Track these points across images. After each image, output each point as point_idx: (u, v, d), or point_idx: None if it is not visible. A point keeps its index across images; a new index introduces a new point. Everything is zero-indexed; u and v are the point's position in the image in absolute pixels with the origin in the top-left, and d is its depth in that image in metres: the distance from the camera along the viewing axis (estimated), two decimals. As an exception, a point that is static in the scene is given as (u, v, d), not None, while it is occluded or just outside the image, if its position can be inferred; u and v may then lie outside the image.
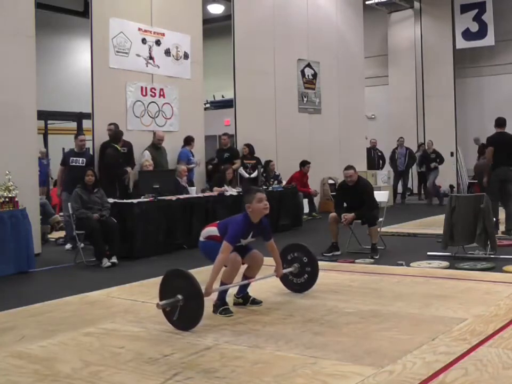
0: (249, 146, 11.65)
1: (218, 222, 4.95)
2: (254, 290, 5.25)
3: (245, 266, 4.98)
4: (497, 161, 8.80)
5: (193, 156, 10.44)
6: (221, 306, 4.72)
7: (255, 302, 5.02)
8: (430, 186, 15.21)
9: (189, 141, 10.35)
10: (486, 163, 9.26)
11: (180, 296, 4.27)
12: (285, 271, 5.27)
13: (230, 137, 11.62)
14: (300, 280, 5.38)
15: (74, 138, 9.45)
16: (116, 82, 9.64)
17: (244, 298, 5.01)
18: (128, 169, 9.19)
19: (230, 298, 4.99)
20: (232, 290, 5.04)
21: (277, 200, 10.61)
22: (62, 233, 9.77)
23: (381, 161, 16.27)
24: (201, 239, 4.92)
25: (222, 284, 4.74)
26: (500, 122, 9.11)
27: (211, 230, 4.87)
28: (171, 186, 9.15)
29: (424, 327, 4.19)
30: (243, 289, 5.02)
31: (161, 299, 4.40)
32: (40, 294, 5.85)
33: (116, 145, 9.03)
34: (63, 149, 12.62)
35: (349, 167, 7.83)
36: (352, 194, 7.77)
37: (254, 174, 11.44)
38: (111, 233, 7.62)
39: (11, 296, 6.05)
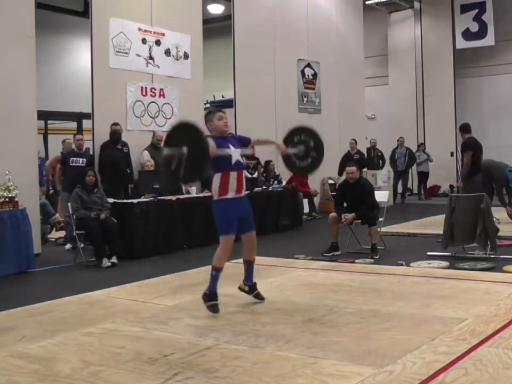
0: None
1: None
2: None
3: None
4: (476, 167, 8.68)
5: None
6: (209, 300, 4.70)
7: (259, 297, 5.02)
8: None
9: None
10: (465, 168, 8.95)
11: (184, 149, 4.27)
12: (289, 151, 5.22)
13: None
14: (302, 163, 5.32)
15: (73, 138, 9.50)
16: (116, 82, 9.64)
17: (250, 287, 5.02)
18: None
19: (230, 298, 4.99)
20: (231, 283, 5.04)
21: (277, 200, 10.62)
22: (62, 233, 9.77)
23: (380, 161, 16.26)
24: (214, 197, 4.84)
25: (213, 268, 4.73)
26: (468, 129, 9.09)
27: (215, 180, 4.77)
28: (171, 186, 9.15)
29: (424, 327, 4.19)
30: (250, 276, 5.03)
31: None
32: (40, 294, 5.86)
33: (116, 146, 9.03)
34: (63, 148, 12.61)
35: (351, 164, 7.98)
36: (353, 194, 7.79)
37: (256, 174, 11.45)
38: (111, 233, 7.62)
39: (11, 296, 6.05)
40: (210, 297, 4.72)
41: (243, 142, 4.96)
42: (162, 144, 4.65)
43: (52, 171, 10.35)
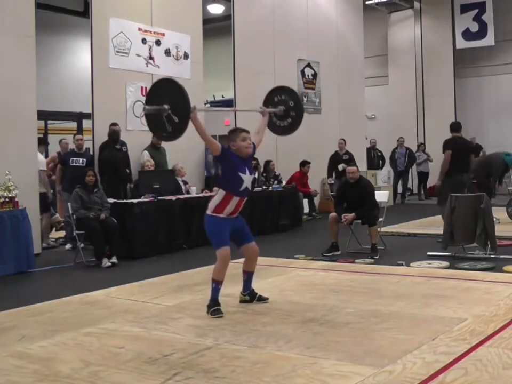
0: None
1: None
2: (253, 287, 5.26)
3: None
4: (454, 167, 8.47)
5: None
6: (212, 306, 4.70)
7: (262, 298, 5.03)
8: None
9: None
10: (442, 166, 8.75)
11: (166, 106, 4.28)
12: (268, 110, 5.28)
13: None
14: (282, 123, 5.35)
15: (73, 138, 9.51)
16: (116, 82, 9.64)
17: (250, 295, 5.02)
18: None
19: (230, 298, 4.99)
20: (231, 291, 5.04)
21: (277, 200, 10.62)
22: (62, 233, 9.77)
23: (380, 161, 16.26)
24: (208, 212, 4.80)
25: (213, 281, 4.72)
26: (455, 128, 8.87)
27: (217, 197, 4.76)
28: (171, 186, 9.15)
29: (424, 327, 4.19)
30: (248, 286, 5.02)
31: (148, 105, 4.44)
32: (40, 294, 5.86)
33: (115, 146, 9.03)
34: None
35: (352, 164, 7.95)
36: (353, 194, 7.79)
37: (256, 174, 11.46)
38: (111, 233, 7.62)
39: (11, 296, 6.05)
40: (213, 304, 4.72)
41: (253, 154, 4.93)
42: (144, 102, 4.66)
43: (48, 171, 10.37)
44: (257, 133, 5.14)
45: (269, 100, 5.39)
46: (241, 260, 5.12)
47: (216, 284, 4.72)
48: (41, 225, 8.96)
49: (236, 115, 11.85)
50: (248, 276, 5.01)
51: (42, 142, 10.17)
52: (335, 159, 13.01)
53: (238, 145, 4.74)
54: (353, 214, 7.61)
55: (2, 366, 3.68)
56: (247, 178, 4.75)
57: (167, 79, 4.77)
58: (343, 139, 13.13)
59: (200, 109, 4.66)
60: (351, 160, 11.54)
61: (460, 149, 8.63)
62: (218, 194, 4.77)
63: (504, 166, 9.59)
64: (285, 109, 5.32)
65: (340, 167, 11.77)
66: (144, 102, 9.78)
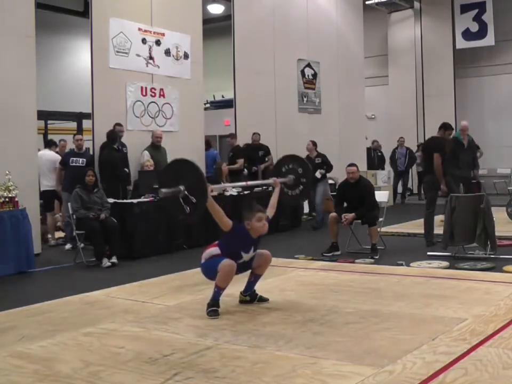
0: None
1: (217, 242, 4.88)
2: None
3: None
4: (431, 168, 8.22)
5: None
6: (211, 306, 4.69)
7: (262, 299, 5.03)
8: (318, 204, 11.08)
9: (210, 142, 10.72)
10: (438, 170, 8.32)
11: (181, 187, 4.24)
12: (280, 180, 5.31)
13: (234, 137, 11.65)
14: (294, 192, 5.34)
15: (73, 138, 9.52)
16: (116, 82, 9.64)
17: (250, 296, 5.02)
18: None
19: (230, 298, 4.99)
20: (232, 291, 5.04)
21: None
22: (62, 233, 9.76)
23: (380, 162, 16.25)
24: (202, 261, 4.85)
25: (216, 286, 4.71)
26: (441, 127, 8.72)
27: (212, 250, 4.80)
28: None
29: (424, 327, 4.19)
30: (251, 287, 5.02)
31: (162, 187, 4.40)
32: (40, 294, 5.86)
33: (113, 146, 9.02)
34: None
35: (352, 164, 7.99)
36: (353, 194, 7.79)
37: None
38: (111, 233, 7.62)
39: (11, 296, 6.05)
40: (212, 304, 4.71)
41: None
42: (158, 185, 4.59)
43: None
44: (271, 207, 5.17)
45: (277, 171, 5.35)
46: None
47: (218, 289, 4.72)
48: (46, 223, 9.06)
49: (236, 115, 11.87)
50: (255, 277, 5.01)
51: (53, 143, 10.29)
52: None
53: (253, 225, 4.76)
54: (353, 214, 7.61)
55: (2, 366, 3.68)
56: (247, 256, 4.80)
57: (178, 159, 4.64)
58: (312, 141, 11.37)
59: (216, 187, 4.61)
60: (324, 164, 10.93)
61: (432, 149, 8.40)
62: (213, 249, 4.79)
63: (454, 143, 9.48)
64: (295, 177, 5.30)
65: (318, 174, 10.77)
66: (143, 101, 9.95)
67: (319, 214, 10.97)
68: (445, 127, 8.71)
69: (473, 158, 10.37)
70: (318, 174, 10.74)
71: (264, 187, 10.74)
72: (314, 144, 11.23)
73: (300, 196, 5.42)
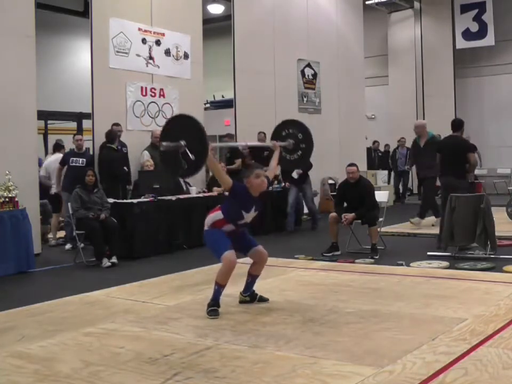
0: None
1: (220, 205, 4.92)
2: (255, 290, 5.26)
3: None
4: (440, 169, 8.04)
5: None
6: (211, 306, 4.70)
7: (262, 299, 5.03)
8: (310, 206, 10.78)
9: None
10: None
11: (182, 142, 4.26)
12: (279, 144, 5.29)
13: (231, 137, 11.64)
14: (293, 156, 5.34)
15: (73, 138, 9.53)
16: (116, 82, 9.64)
17: (250, 296, 5.02)
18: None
19: (230, 298, 4.99)
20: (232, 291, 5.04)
21: (277, 200, 10.60)
22: (62, 233, 9.77)
23: (380, 162, 16.25)
24: (205, 228, 4.85)
25: (216, 284, 4.72)
26: (452, 125, 8.15)
27: (215, 215, 4.82)
28: (171, 186, 9.14)
29: (424, 327, 4.19)
30: (250, 288, 5.02)
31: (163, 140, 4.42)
32: (40, 294, 5.86)
33: (112, 146, 9.01)
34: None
35: (352, 164, 7.98)
36: (353, 194, 7.79)
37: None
38: (111, 233, 7.62)
39: (11, 296, 6.05)
40: (212, 304, 4.72)
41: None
42: (159, 139, 4.64)
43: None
44: (271, 168, 5.20)
45: (277, 135, 5.34)
46: (247, 261, 5.09)
47: (219, 287, 4.72)
48: (52, 223, 9.14)
49: (236, 115, 11.86)
50: (252, 278, 5.02)
51: (61, 147, 10.42)
52: None
53: (251, 182, 4.78)
54: (353, 214, 7.61)
55: (2, 366, 3.68)
56: (248, 216, 4.81)
57: (181, 115, 4.68)
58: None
59: (216, 145, 4.67)
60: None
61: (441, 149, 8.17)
62: (215, 214, 4.81)
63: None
64: (294, 142, 5.30)
65: (294, 174, 10.42)
66: (143, 101, 9.96)
67: (314, 215, 10.89)
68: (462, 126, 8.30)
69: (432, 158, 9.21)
70: (294, 174, 10.39)
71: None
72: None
73: (298, 162, 5.40)
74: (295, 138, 5.31)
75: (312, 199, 10.89)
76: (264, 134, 11.56)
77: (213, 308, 4.69)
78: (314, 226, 10.72)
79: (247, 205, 4.78)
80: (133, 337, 4.19)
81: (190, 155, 4.29)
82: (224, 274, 4.68)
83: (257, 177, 4.78)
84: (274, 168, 5.26)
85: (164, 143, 4.36)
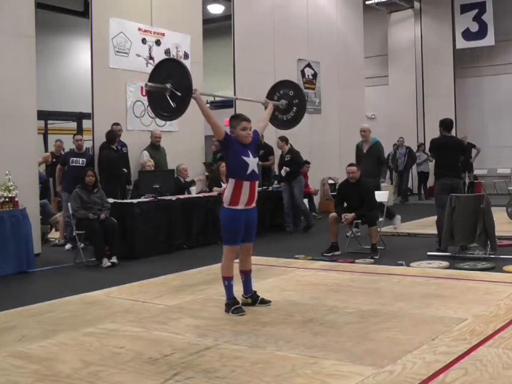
0: None
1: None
2: (254, 289, 5.25)
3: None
4: (439, 171, 7.83)
5: None
6: (232, 305, 4.73)
7: (264, 301, 5.01)
8: (297, 204, 10.32)
9: None
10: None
11: (168, 85, 4.32)
12: (272, 103, 5.34)
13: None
14: (288, 116, 5.38)
15: (73, 138, 9.54)
16: (116, 82, 9.64)
17: (252, 298, 5.00)
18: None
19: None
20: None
21: (277, 200, 10.60)
22: (56, 234, 9.77)
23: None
24: (224, 204, 4.82)
25: (224, 279, 4.77)
26: (447, 125, 7.98)
27: (229, 188, 4.78)
28: (171, 186, 9.15)
29: (424, 327, 4.19)
30: (248, 287, 5.01)
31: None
32: (40, 294, 5.86)
33: (111, 146, 9.01)
34: (63, 149, 12.62)
35: (352, 164, 8.01)
36: (353, 194, 7.79)
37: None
38: (111, 233, 7.62)
39: (11, 296, 6.05)
40: (232, 303, 4.74)
41: (257, 140, 4.99)
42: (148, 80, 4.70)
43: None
44: (261, 121, 5.22)
45: (271, 95, 5.47)
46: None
47: (228, 281, 4.77)
48: (59, 223, 9.23)
49: (236, 109, 11.83)
50: (246, 275, 4.99)
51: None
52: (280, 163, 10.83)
53: (237, 133, 4.81)
54: (353, 214, 7.61)
55: (2, 366, 3.68)
56: (251, 161, 4.78)
57: (170, 58, 4.83)
58: (280, 137, 10.52)
59: (202, 93, 4.73)
60: (293, 162, 10.25)
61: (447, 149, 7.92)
62: (229, 184, 4.81)
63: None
64: (288, 102, 5.35)
65: (283, 171, 10.30)
66: (143, 101, 9.95)
67: (307, 215, 10.56)
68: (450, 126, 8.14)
69: (377, 164, 9.42)
70: (283, 172, 10.32)
71: (264, 187, 10.77)
72: (283, 139, 10.52)
73: (291, 121, 5.46)
74: (288, 99, 5.36)
75: (300, 199, 10.37)
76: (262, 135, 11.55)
77: (235, 306, 4.72)
78: (307, 227, 10.30)
79: (243, 151, 4.77)
80: (133, 337, 4.19)
81: (176, 93, 4.35)
82: (227, 266, 4.76)
83: (243, 129, 4.79)
84: (265, 120, 5.25)
85: (149, 83, 4.45)
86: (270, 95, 5.57)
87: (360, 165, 8.41)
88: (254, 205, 4.86)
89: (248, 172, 4.75)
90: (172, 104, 4.40)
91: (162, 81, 4.51)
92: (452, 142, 8.04)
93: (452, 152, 7.78)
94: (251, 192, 4.76)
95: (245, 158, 4.75)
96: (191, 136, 10.70)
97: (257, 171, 4.88)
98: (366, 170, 8.56)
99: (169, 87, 4.38)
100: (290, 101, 5.41)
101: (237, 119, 4.90)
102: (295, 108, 5.41)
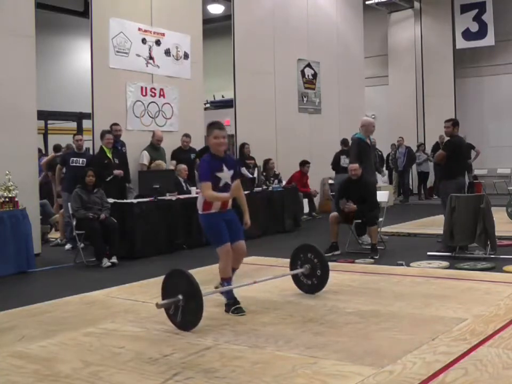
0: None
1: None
2: (254, 290, 5.27)
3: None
4: (456, 170, 7.90)
5: None
6: (232, 305, 4.73)
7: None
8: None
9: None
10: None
11: (180, 296, 4.29)
12: (296, 271, 5.34)
13: (229, 137, 11.62)
14: (309, 281, 5.37)
15: (73, 138, 9.54)
16: (116, 82, 9.64)
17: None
18: (117, 171, 8.84)
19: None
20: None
21: (277, 200, 10.60)
22: (57, 234, 9.76)
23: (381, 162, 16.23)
24: (199, 211, 4.86)
25: (223, 280, 4.78)
26: (459, 125, 8.11)
27: (200, 198, 4.82)
28: (171, 186, 9.15)
29: (424, 327, 4.19)
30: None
31: (163, 299, 4.43)
32: (40, 294, 5.86)
33: (105, 149, 8.96)
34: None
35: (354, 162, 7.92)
36: (355, 191, 7.79)
37: (256, 174, 11.44)
38: (111, 233, 7.62)
39: (11, 296, 6.05)
40: (232, 303, 4.75)
41: (235, 169, 4.90)
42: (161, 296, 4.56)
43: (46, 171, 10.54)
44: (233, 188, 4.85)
45: (296, 258, 5.38)
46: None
47: (227, 282, 4.79)
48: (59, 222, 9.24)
49: (236, 114, 11.85)
50: (232, 271, 4.99)
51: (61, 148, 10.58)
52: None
53: (210, 142, 4.78)
54: (355, 206, 7.61)
55: (2, 366, 3.68)
56: (225, 175, 4.76)
57: (177, 271, 4.66)
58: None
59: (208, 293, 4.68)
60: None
61: (460, 150, 8.13)
62: (201, 192, 4.81)
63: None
64: (311, 267, 5.31)
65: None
66: (143, 101, 9.95)
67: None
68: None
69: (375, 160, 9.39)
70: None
71: (264, 187, 10.76)
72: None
73: (314, 287, 5.33)
74: (311, 264, 5.32)
75: None
76: (248, 145, 11.59)
77: (235, 306, 4.72)
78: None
79: (218, 166, 4.72)
80: (133, 337, 4.19)
81: (186, 310, 4.30)
82: (225, 267, 4.76)
83: (216, 138, 4.73)
84: (234, 192, 4.84)
85: (160, 302, 4.38)
86: (295, 257, 5.42)
87: (367, 160, 8.33)
88: (229, 207, 4.85)
89: (221, 184, 4.74)
90: (180, 316, 4.30)
91: (173, 294, 4.38)
92: (464, 142, 8.11)
93: (465, 151, 7.84)
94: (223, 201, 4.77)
95: (218, 174, 4.72)
96: (191, 136, 10.69)
97: (230, 183, 4.78)
98: (374, 165, 8.71)
99: (181, 298, 4.30)
100: (314, 267, 5.31)
101: (210, 127, 4.83)
102: (315, 279, 5.33)
